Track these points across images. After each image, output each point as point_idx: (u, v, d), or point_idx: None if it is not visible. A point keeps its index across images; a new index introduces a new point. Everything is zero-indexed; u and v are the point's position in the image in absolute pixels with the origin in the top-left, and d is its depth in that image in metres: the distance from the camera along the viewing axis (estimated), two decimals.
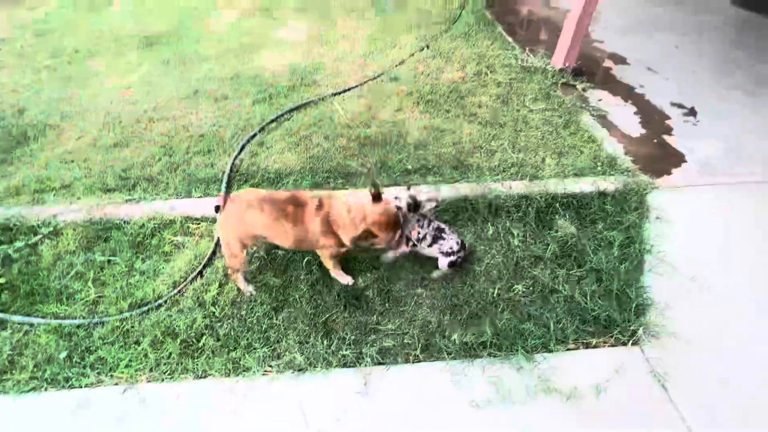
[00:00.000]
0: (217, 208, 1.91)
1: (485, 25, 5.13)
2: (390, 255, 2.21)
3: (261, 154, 3.09)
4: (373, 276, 2.22)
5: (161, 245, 2.39)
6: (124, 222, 2.49)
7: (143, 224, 2.46)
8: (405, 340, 1.88)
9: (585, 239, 2.30)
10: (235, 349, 1.87)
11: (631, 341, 1.84)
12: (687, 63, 4.21)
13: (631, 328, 1.86)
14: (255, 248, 2.24)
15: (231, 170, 2.90)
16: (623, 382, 1.71)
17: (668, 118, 3.38)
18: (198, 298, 2.11)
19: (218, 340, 1.91)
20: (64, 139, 3.26)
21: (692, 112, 3.45)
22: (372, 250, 2.10)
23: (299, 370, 1.78)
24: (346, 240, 1.85)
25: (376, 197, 1.80)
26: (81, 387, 1.74)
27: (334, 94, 3.79)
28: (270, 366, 1.80)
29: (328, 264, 2.08)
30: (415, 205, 2.01)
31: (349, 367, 1.79)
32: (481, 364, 1.78)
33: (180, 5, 6.06)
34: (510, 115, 3.46)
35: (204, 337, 1.91)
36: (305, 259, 2.28)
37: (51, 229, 2.44)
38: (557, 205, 2.55)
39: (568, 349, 1.83)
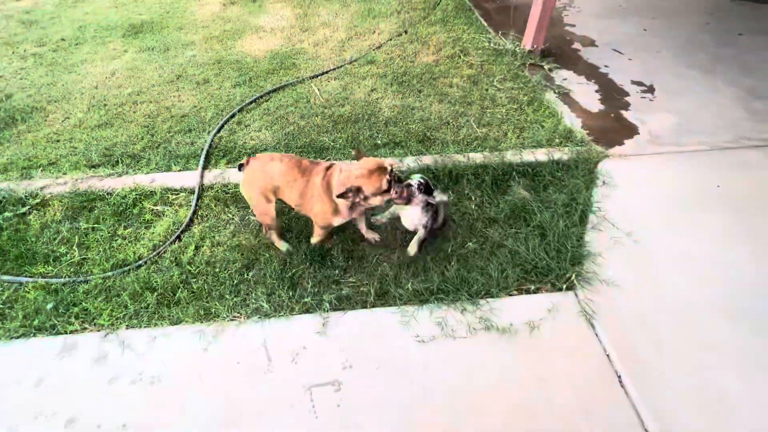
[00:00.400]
0: (241, 167, 2.06)
1: (463, 11, 5.27)
2: (381, 218, 2.31)
3: (239, 132, 3.25)
4: (339, 238, 2.40)
5: (142, 214, 2.55)
6: (108, 194, 2.65)
7: (125, 195, 2.62)
8: (362, 289, 2.07)
9: (536, 202, 2.49)
10: (207, 300, 2.04)
11: (565, 286, 2.03)
12: (652, 44, 4.39)
13: (567, 275, 2.05)
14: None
15: (210, 146, 3.06)
16: (555, 320, 1.91)
17: (627, 95, 3.56)
18: (175, 258, 2.28)
19: (192, 293, 2.08)
20: (50, 121, 3.41)
21: (650, 89, 3.63)
22: (370, 212, 2.21)
23: (265, 316, 1.96)
24: (340, 206, 1.92)
25: (358, 156, 1.91)
26: (66, 333, 1.91)
27: (312, 77, 3.95)
28: (238, 313, 1.98)
29: (318, 231, 2.15)
30: (426, 187, 1.98)
31: (310, 312, 1.97)
32: (429, 308, 1.97)
33: None
34: (478, 93, 3.62)
35: (179, 291, 2.08)
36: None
37: (39, 200, 2.60)
38: (513, 173, 2.73)
39: (509, 295, 2.02)
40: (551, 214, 2.35)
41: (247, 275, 2.19)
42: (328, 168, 1.97)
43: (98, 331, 1.92)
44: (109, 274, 2.18)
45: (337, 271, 2.19)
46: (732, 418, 1.60)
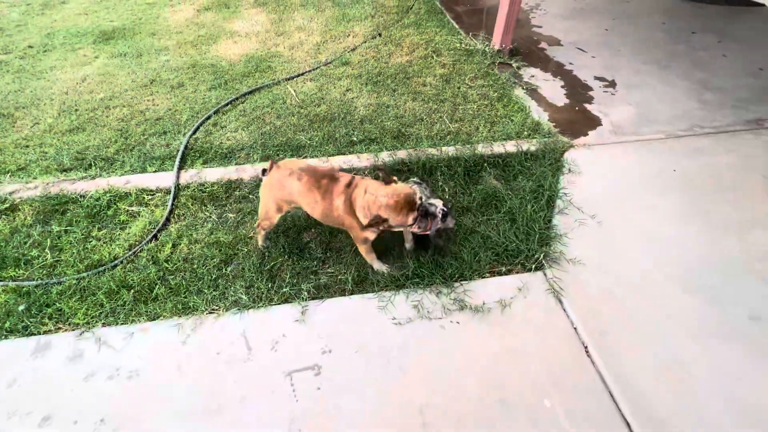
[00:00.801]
0: (264, 171, 2.05)
1: (435, 15, 5.43)
2: (409, 245, 2.24)
3: (215, 133, 3.26)
4: (317, 231, 2.44)
5: (117, 215, 2.54)
6: (81, 196, 2.62)
7: (99, 197, 2.60)
8: (339, 278, 2.11)
9: (506, 190, 2.60)
10: (185, 295, 2.05)
11: (534, 267, 2.13)
12: (613, 43, 4.63)
13: (536, 256, 2.15)
14: (289, 213, 2.26)
15: (185, 147, 3.06)
16: (525, 298, 2.00)
17: (591, 89, 3.75)
18: (152, 257, 2.27)
19: (170, 289, 2.08)
20: (18, 127, 3.34)
21: (612, 84, 3.83)
22: (397, 233, 2.12)
23: (244, 307, 1.98)
24: (364, 222, 1.85)
25: (386, 180, 1.83)
26: (40, 334, 1.89)
27: (288, 79, 4.00)
28: (217, 306, 1.99)
29: (361, 248, 2.06)
30: (445, 213, 1.96)
31: (289, 302, 2.00)
32: (405, 293, 2.03)
33: (136, 2, 6.12)
34: (451, 91, 3.74)
35: (157, 287, 2.08)
36: (254, 218, 2.49)
37: (7, 205, 2.55)
38: (485, 164, 2.84)
39: (482, 277, 2.11)
40: (520, 201, 2.46)
41: (226, 270, 2.20)
42: (348, 185, 1.90)
43: (73, 330, 1.90)
44: (84, 275, 2.16)
45: (315, 263, 2.23)
46: (689, 380, 1.71)
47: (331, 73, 4.09)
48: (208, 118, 3.42)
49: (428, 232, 1.96)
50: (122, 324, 1.92)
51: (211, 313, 1.96)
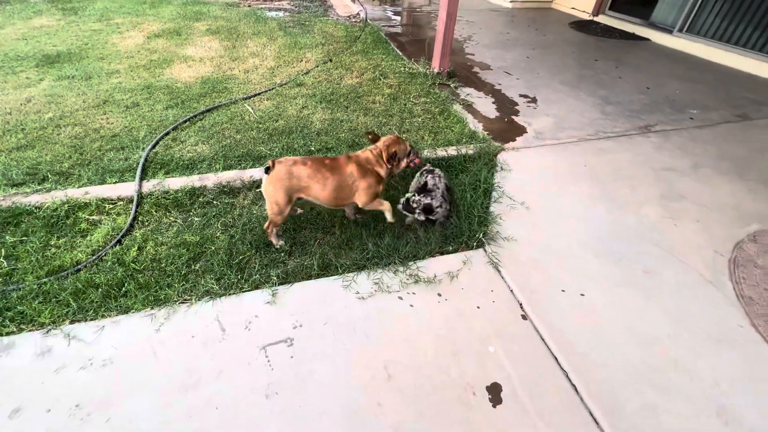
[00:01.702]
0: (267, 170, 2.18)
1: (380, 44, 5.98)
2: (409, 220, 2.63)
3: (175, 147, 3.37)
4: (283, 227, 2.63)
5: (77, 224, 2.55)
6: (36, 208, 2.60)
7: (56, 208, 2.60)
8: (305, 263, 2.31)
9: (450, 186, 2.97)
10: (156, 290, 2.13)
11: (476, 244, 2.48)
12: (533, 68, 5.40)
13: (476, 236, 2.51)
14: (296, 209, 2.66)
15: (145, 160, 3.14)
16: (470, 270, 2.32)
17: (516, 104, 4.36)
18: (118, 259, 2.32)
19: (140, 285, 2.15)
20: None
21: (534, 100, 4.49)
22: (398, 175, 2.73)
23: (216, 296, 2.10)
24: (382, 171, 2.35)
25: (374, 137, 2.43)
26: (2, 336, 1.87)
27: (245, 98, 4.21)
28: (189, 296, 2.10)
29: (371, 203, 2.35)
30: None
31: (259, 288, 2.16)
32: (366, 272, 2.27)
33: (81, 29, 6.09)
34: (398, 107, 4.17)
35: (126, 284, 2.14)
36: (220, 221, 2.63)
37: None
38: (431, 166, 3.21)
39: (432, 256, 2.41)
40: (461, 192, 2.84)
41: (195, 266, 2.31)
42: (348, 157, 2.33)
43: (38, 330, 1.91)
44: (45, 280, 2.16)
45: (282, 254, 2.41)
46: (598, 319, 2.09)
47: (286, 93, 4.37)
48: (167, 133, 3.53)
49: (417, 164, 2.56)
50: (92, 320, 1.96)
51: (183, 302, 2.06)
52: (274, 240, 2.43)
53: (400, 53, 5.65)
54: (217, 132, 3.61)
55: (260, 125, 3.75)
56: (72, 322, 1.95)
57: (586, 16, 8.17)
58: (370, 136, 2.46)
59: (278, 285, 2.18)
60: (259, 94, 4.32)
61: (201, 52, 5.39)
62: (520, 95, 4.59)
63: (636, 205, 2.94)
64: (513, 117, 4.10)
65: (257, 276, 2.21)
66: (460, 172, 3.16)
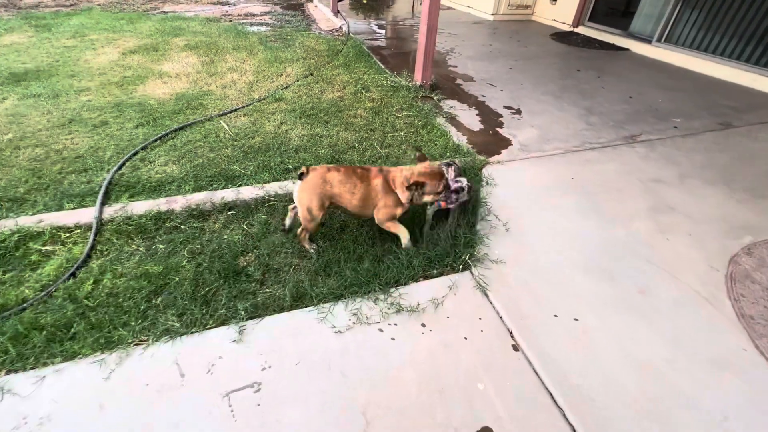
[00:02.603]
0: (301, 175, 2.22)
1: (363, 57, 5.91)
2: (427, 227, 2.60)
3: (143, 168, 3.18)
4: (254, 254, 2.44)
5: (27, 255, 2.33)
6: None
7: (4, 239, 2.38)
8: (277, 294, 2.13)
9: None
10: (109, 329, 1.92)
11: (462, 267, 2.33)
12: (517, 79, 5.37)
13: (462, 257, 2.36)
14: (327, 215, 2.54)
15: (109, 183, 2.94)
16: (456, 296, 2.16)
17: (501, 116, 4.28)
18: (69, 295, 2.11)
19: (91, 325, 1.94)
20: None
21: (518, 111, 4.42)
22: (423, 205, 2.46)
23: (176, 335, 1.90)
24: (402, 197, 2.23)
25: (421, 158, 2.26)
26: None
27: (220, 115, 4.05)
28: (145, 336, 1.89)
29: (386, 223, 2.33)
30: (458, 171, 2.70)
31: (225, 324, 1.96)
32: (344, 302, 2.10)
33: (53, 45, 5.90)
34: (380, 121, 4.05)
35: (75, 325, 1.93)
36: (187, 248, 2.44)
37: None
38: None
39: (416, 281, 2.25)
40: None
41: (155, 301, 2.11)
42: (380, 170, 2.28)
43: None
44: None
45: (253, 284, 2.22)
46: (593, 346, 1.95)
47: (264, 109, 4.23)
48: (136, 153, 3.33)
49: (452, 206, 2.43)
50: (31, 369, 1.74)
51: (138, 344, 1.85)
52: (307, 245, 2.42)
53: (383, 66, 5.57)
54: (189, 151, 3.43)
55: (235, 143, 3.58)
56: (9, 372, 1.72)
57: (567, 28, 8.27)
58: (417, 154, 2.32)
59: (246, 320, 1.98)
60: (235, 110, 4.17)
61: (177, 68, 5.23)
62: (505, 107, 4.52)
63: (626, 218, 2.84)
64: (497, 129, 4.02)
65: (223, 311, 2.01)
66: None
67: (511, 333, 2.00)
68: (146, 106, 4.18)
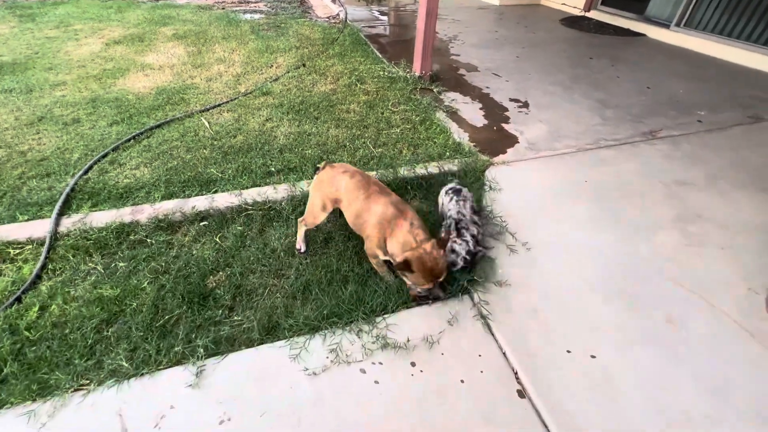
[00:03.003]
0: (316, 170, 2.15)
1: (359, 46, 5.53)
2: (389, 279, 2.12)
3: (111, 172, 2.89)
4: (225, 273, 2.16)
5: None
6: None
7: None
8: (245, 326, 1.84)
9: (431, 214, 2.52)
10: (46, 371, 1.65)
11: (461, 292, 2.02)
12: (524, 68, 4.97)
13: (461, 281, 2.05)
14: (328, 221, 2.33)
15: (72, 189, 2.66)
16: (453, 327, 1.86)
17: (506, 110, 3.92)
18: (10, 325, 1.84)
19: (27, 365, 1.68)
20: None
21: (525, 104, 4.05)
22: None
23: (123, 376, 1.63)
24: (391, 247, 1.84)
25: (441, 243, 1.83)
26: None
27: (202, 111, 3.74)
28: (88, 379, 1.62)
29: (371, 259, 2.04)
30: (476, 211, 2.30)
31: (182, 363, 1.69)
32: (321, 336, 1.81)
33: (35, 36, 5.60)
34: (374, 117, 3.71)
35: (7, 365, 1.66)
36: (150, 265, 2.16)
37: None
38: (408, 187, 2.77)
39: (407, 308, 1.95)
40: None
41: (107, 332, 1.84)
42: (394, 203, 1.91)
43: None
44: None
45: (220, 311, 1.94)
46: (615, 393, 1.65)
47: (250, 104, 3.91)
48: (105, 155, 3.05)
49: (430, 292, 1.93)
50: None
51: (78, 390, 1.59)
52: (299, 237, 2.25)
53: (380, 56, 5.20)
54: (164, 152, 3.13)
55: (215, 142, 3.28)
56: None
57: (578, 12, 7.77)
58: (443, 234, 1.93)
59: (206, 358, 1.70)
60: (218, 105, 3.85)
61: (162, 60, 4.91)
62: (510, 99, 4.15)
63: (648, 229, 2.50)
64: (503, 125, 3.66)
65: (180, 347, 1.74)
66: None
67: (516, 374, 1.70)
68: (123, 101, 3.89)
